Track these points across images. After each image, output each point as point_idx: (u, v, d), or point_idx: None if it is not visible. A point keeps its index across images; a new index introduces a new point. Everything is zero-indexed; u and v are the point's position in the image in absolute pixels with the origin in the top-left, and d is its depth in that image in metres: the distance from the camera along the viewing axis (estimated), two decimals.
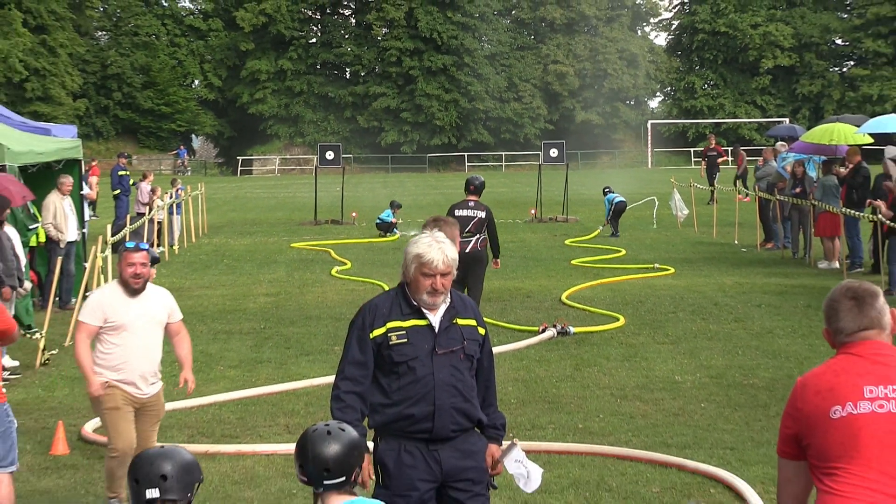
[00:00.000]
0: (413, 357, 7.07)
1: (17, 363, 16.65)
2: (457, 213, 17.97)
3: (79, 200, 23.56)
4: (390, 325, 7.11)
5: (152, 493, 5.44)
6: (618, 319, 19.59)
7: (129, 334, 9.59)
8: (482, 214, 17.71)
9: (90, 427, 13.10)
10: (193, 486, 5.54)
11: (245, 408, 13.81)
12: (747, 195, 37.64)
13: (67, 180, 22.12)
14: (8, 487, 9.41)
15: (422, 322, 7.14)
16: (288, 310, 21.80)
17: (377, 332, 7.10)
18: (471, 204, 18.30)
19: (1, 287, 16.11)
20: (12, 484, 9.53)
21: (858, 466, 4.84)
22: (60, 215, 21.48)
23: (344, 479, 5.68)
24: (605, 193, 36.61)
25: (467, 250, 16.74)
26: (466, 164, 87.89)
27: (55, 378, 16.26)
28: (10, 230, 16.91)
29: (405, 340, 7.08)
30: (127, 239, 23.77)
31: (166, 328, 10.05)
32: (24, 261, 17.40)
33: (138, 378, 9.62)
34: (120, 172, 39.59)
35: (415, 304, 7.16)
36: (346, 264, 28.24)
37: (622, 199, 35.83)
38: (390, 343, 7.07)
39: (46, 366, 16.92)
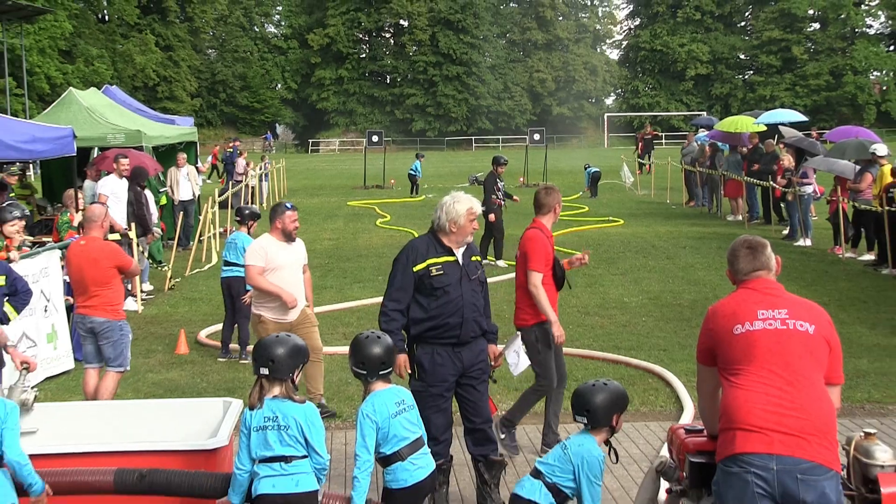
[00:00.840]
0: (448, 284, 7.13)
1: (151, 287, 16.74)
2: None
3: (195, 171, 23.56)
4: (430, 261, 7.16)
5: (264, 371, 5.56)
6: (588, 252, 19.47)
7: (284, 273, 9.39)
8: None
9: (204, 334, 13.19)
10: (298, 367, 5.65)
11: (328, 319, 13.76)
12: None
13: (182, 157, 22.17)
14: (112, 382, 9.35)
15: (451, 258, 7.21)
16: (345, 250, 21.72)
17: (419, 266, 7.14)
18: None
19: (147, 233, 16.23)
20: (117, 382, 9.46)
21: (754, 367, 4.92)
22: (174, 182, 21.57)
23: (391, 369, 5.95)
24: (585, 168, 36.51)
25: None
26: (474, 145, 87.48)
27: (178, 298, 16.29)
28: (147, 192, 16.95)
29: (442, 272, 7.13)
30: (230, 199, 23.92)
31: None
32: (155, 214, 17.45)
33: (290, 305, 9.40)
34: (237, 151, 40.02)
35: (446, 245, 7.21)
36: (386, 217, 28.15)
37: (597, 169, 35.68)
38: (431, 275, 7.13)
39: (172, 290, 16.93)
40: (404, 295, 7.17)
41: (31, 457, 5.88)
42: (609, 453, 5.70)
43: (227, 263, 11.99)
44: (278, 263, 9.41)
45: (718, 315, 5.19)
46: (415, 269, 7.13)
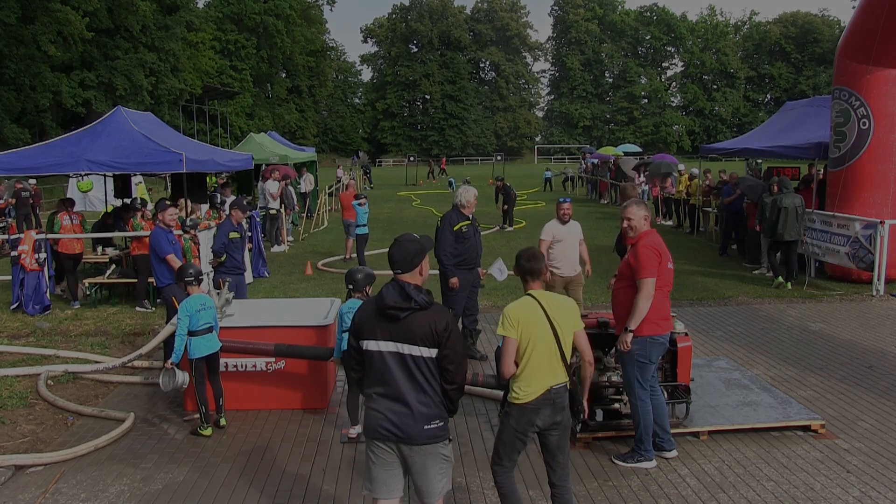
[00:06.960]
0: (470, 235, 6.99)
1: (292, 238, 16.41)
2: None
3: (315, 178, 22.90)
4: (462, 224, 6.94)
5: (350, 286, 5.37)
6: (522, 223, 19.15)
7: (564, 244, 7.36)
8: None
9: (320, 263, 12.90)
10: (369, 285, 5.32)
11: (377, 259, 13.56)
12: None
13: (304, 169, 21.06)
14: (363, 243, 10.98)
15: (468, 221, 7.02)
16: (396, 218, 21.30)
17: (456, 227, 6.92)
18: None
19: (288, 209, 15.89)
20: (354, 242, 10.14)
21: (666, 288, 4.69)
22: (303, 181, 20.22)
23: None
24: (545, 171, 35.12)
25: None
26: (465, 162, 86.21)
27: (306, 245, 15.93)
28: (290, 187, 16.62)
29: (466, 230, 6.96)
30: (334, 190, 23.21)
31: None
32: (294, 199, 17.06)
33: (568, 266, 7.35)
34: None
35: (464, 214, 6.99)
36: (417, 201, 27.67)
37: (551, 172, 34.49)
38: (462, 231, 6.93)
39: (303, 240, 16.57)
40: (450, 243, 6.88)
41: (231, 328, 5.79)
42: None
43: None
44: (561, 237, 7.50)
45: (662, 251, 4.64)
46: (454, 229, 6.90)
